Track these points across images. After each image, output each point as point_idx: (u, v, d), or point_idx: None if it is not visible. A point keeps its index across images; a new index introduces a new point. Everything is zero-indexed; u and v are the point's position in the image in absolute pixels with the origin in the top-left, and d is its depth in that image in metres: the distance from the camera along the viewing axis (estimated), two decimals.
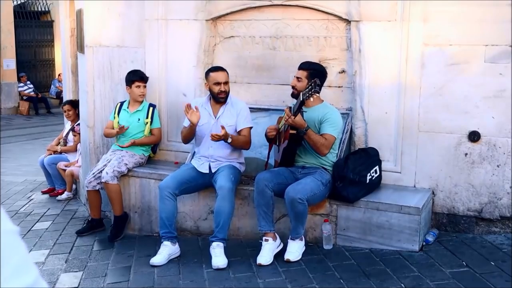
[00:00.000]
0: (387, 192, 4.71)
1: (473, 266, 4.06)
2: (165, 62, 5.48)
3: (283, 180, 4.42)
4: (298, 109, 4.22)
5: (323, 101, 4.59)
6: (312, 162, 4.53)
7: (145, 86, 5.38)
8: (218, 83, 4.66)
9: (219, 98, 4.70)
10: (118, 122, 5.40)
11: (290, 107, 4.44)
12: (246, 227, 4.87)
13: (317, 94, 4.22)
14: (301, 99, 4.17)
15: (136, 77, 5.33)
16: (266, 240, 4.42)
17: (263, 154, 5.03)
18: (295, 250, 4.36)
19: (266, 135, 4.71)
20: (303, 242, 4.46)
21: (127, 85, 5.37)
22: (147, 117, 5.35)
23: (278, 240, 4.48)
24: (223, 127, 4.49)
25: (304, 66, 4.57)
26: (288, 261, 4.29)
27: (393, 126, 4.80)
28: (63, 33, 8.05)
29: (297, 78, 4.53)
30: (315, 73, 4.50)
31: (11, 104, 17.87)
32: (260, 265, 4.29)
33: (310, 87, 4.18)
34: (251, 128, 4.78)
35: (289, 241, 4.42)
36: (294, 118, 4.21)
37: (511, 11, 4.37)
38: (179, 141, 5.12)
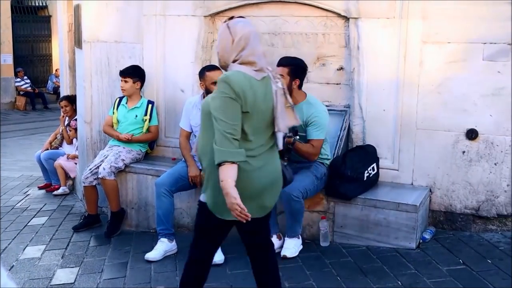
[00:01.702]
0: (385, 189, 4.71)
1: (470, 264, 4.07)
2: (163, 58, 5.46)
3: None
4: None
5: (306, 95, 4.49)
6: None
7: (126, 81, 5.28)
8: (215, 83, 4.62)
9: None
10: (117, 118, 5.38)
11: None
12: None
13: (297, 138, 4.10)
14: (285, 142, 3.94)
15: (119, 73, 5.33)
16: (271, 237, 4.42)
17: None
18: (291, 246, 4.37)
19: None
20: (300, 240, 4.46)
21: None
22: (145, 114, 5.33)
23: (282, 241, 4.46)
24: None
25: (284, 62, 4.42)
26: (285, 258, 4.29)
27: (391, 123, 4.79)
28: (60, 28, 8.03)
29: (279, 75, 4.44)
30: (295, 68, 4.40)
31: (8, 99, 17.84)
32: None
33: (290, 133, 3.85)
34: None
35: (286, 238, 4.42)
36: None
37: (510, 9, 4.37)
38: (176, 137, 5.10)
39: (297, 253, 4.36)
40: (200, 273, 3.25)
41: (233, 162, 2.83)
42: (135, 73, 5.32)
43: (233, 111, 2.86)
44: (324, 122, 4.41)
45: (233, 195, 2.80)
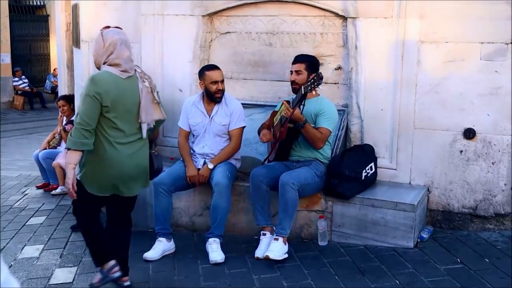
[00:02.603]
0: (383, 188, 4.72)
1: (468, 263, 4.08)
2: (161, 57, 5.47)
3: (278, 174, 4.41)
4: (298, 102, 4.23)
5: (319, 94, 4.59)
6: (307, 155, 4.54)
7: None
8: (215, 82, 4.64)
9: (216, 98, 4.68)
10: None
11: (288, 101, 4.44)
12: (241, 223, 4.87)
13: (320, 87, 4.22)
14: (302, 92, 4.19)
15: None
16: (264, 234, 4.42)
17: (259, 150, 5.03)
18: (276, 250, 4.18)
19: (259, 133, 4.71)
20: (286, 247, 4.27)
21: None
22: None
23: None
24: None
25: (301, 58, 4.59)
26: (267, 258, 4.13)
27: (389, 123, 4.80)
28: (58, 28, 8.04)
29: (296, 71, 4.52)
30: (312, 64, 4.54)
31: (5, 99, 17.82)
32: (257, 259, 4.27)
33: (312, 80, 4.19)
34: (243, 127, 4.78)
35: (272, 241, 4.26)
36: (293, 111, 4.21)
37: (508, 9, 4.38)
38: (174, 136, 5.11)
39: (281, 257, 4.17)
40: (95, 231, 3.83)
41: (77, 150, 3.50)
42: None
43: (90, 108, 3.49)
44: (334, 116, 4.52)
45: (69, 177, 3.51)
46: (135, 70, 3.70)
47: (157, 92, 3.85)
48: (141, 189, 3.91)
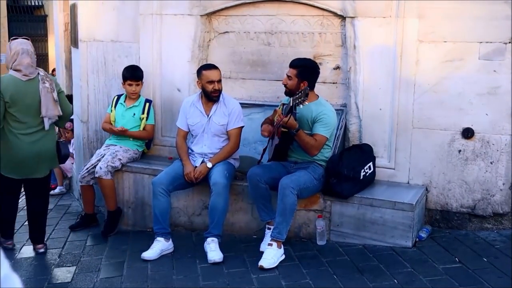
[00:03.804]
0: (381, 188, 4.72)
1: (466, 262, 4.08)
2: (160, 57, 5.47)
3: (276, 174, 4.41)
4: (288, 113, 4.20)
5: (318, 96, 4.57)
6: (304, 157, 4.51)
7: (138, 84, 5.32)
8: (211, 82, 4.64)
9: (212, 97, 4.68)
10: (114, 116, 5.38)
11: (284, 104, 4.43)
12: (239, 222, 4.87)
13: (306, 103, 4.17)
14: (291, 105, 4.16)
15: (128, 75, 5.30)
16: (269, 228, 4.41)
17: (257, 150, 5.02)
18: (270, 257, 4.16)
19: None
20: (281, 250, 4.25)
21: (122, 80, 5.35)
22: (143, 113, 5.33)
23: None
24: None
25: (295, 63, 4.51)
26: (262, 268, 4.10)
27: (388, 122, 4.81)
28: (56, 28, 8.03)
29: (288, 76, 4.50)
30: (304, 70, 4.45)
31: None
32: (263, 252, 4.24)
33: (300, 94, 4.13)
34: (242, 127, 4.77)
35: (267, 247, 4.25)
36: (285, 119, 4.19)
37: (507, 8, 4.39)
38: (173, 136, 5.11)
39: (275, 264, 4.15)
40: (9, 205, 4.67)
41: None
42: (142, 75, 5.36)
43: None
44: (332, 122, 4.44)
45: None
46: (38, 73, 4.51)
47: (61, 92, 4.72)
48: (48, 170, 4.70)
